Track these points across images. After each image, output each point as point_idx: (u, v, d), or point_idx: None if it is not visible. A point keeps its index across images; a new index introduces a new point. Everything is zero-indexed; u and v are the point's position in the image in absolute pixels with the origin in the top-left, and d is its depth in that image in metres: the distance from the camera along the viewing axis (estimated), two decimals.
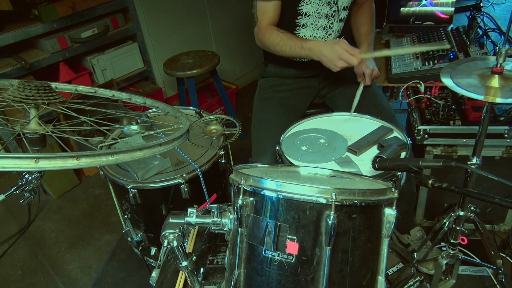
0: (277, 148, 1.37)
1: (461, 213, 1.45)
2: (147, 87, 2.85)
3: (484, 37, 1.96)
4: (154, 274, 1.30)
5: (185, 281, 1.17)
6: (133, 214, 1.52)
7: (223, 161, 1.50)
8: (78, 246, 2.21)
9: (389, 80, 1.93)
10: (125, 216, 1.55)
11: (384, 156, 1.19)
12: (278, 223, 0.78)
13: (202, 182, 1.40)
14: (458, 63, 1.26)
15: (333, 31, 1.62)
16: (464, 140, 1.65)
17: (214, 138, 1.51)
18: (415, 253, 1.64)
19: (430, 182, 0.98)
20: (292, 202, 0.77)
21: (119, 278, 1.99)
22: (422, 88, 1.82)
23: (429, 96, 1.80)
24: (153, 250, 1.59)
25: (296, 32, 1.61)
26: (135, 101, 1.27)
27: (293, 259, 0.78)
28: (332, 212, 0.75)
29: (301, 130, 1.47)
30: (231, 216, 0.89)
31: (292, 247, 0.78)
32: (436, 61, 1.89)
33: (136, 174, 1.38)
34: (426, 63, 1.91)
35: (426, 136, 1.67)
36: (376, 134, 1.34)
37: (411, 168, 0.99)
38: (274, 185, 0.78)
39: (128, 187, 1.36)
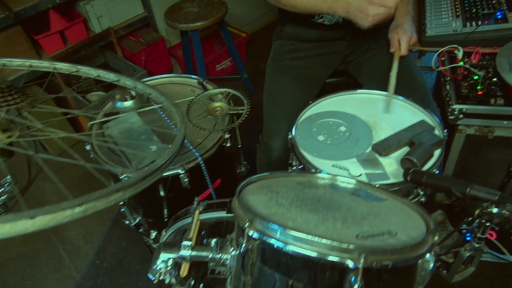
0: (290, 136, 1.19)
1: (495, 210, 1.29)
2: (148, 35, 2.59)
3: None
4: None
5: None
6: (130, 200, 1.40)
7: (228, 145, 1.33)
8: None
9: (422, 43, 1.66)
10: (121, 203, 1.43)
11: (414, 160, 1.01)
12: (290, 281, 0.64)
13: (204, 171, 1.25)
14: None
15: None
16: (505, 122, 1.44)
17: (219, 118, 1.33)
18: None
19: (476, 212, 0.82)
20: (309, 260, 0.61)
21: (121, 248, 1.93)
22: (460, 55, 1.57)
23: (468, 66, 1.56)
24: (153, 234, 1.49)
25: None
26: (124, 84, 1.08)
27: None
28: (359, 277, 0.59)
29: (319, 112, 1.27)
30: (233, 253, 0.75)
31: None
32: (480, 22, 1.61)
33: (129, 163, 1.22)
34: (468, 23, 1.62)
35: (461, 116, 1.46)
36: (410, 132, 1.12)
37: (454, 193, 0.82)
38: (288, 238, 0.62)
39: (122, 177, 1.22)
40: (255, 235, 0.65)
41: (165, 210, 1.39)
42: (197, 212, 1.02)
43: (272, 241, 0.63)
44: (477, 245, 1.49)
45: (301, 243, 0.61)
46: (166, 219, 1.41)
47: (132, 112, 1.37)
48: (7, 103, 0.76)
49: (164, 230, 1.25)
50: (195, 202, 1.16)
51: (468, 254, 1.53)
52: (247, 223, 0.66)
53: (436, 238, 0.70)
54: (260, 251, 0.66)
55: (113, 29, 2.42)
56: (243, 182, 0.83)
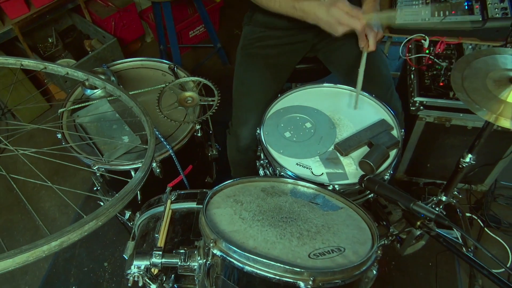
0: (258, 131, 1.24)
1: (444, 198, 1.42)
2: None
3: None
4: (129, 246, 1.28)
5: None
6: (104, 185, 1.44)
7: (199, 134, 1.37)
8: (53, 181, 2.16)
9: (391, 30, 1.69)
10: (94, 188, 1.47)
11: (370, 163, 1.09)
12: None
13: (176, 162, 1.30)
14: (476, 56, 1.05)
15: None
16: (461, 115, 1.54)
17: (189, 108, 1.35)
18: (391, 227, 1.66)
19: (418, 223, 0.92)
20: (266, 280, 0.70)
21: None
22: (426, 44, 1.62)
23: (432, 57, 1.62)
24: (127, 214, 1.55)
25: None
26: (93, 83, 1.09)
27: None
28: None
29: (287, 107, 1.31)
30: (200, 261, 0.83)
31: None
32: (447, 12, 1.65)
33: (101, 155, 1.25)
34: (436, 13, 1.66)
35: (421, 107, 1.54)
36: (370, 132, 1.19)
37: (400, 205, 0.91)
38: (248, 260, 0.70)
39: (94, 168, 1.25)
40: (219, 253, 0.72)
41: (138, 194, 1.45)
42: (168, 209, 1.09)
43: (233, 261, 0.71)
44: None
45: (258, 265, 0.69)
46: (140, 202, 1.47)
47: (103, 100, 1.38)
48: None
49: (138, 212, 1.32)
50: (167, 192, 1.23)
51: (419, 232, 1.69)
52: (212, 243, 0.73)
53: (379, 252, 0.79)
54: (223, 267, 0.74)
55: None
56: (209, 194, 0.89)
